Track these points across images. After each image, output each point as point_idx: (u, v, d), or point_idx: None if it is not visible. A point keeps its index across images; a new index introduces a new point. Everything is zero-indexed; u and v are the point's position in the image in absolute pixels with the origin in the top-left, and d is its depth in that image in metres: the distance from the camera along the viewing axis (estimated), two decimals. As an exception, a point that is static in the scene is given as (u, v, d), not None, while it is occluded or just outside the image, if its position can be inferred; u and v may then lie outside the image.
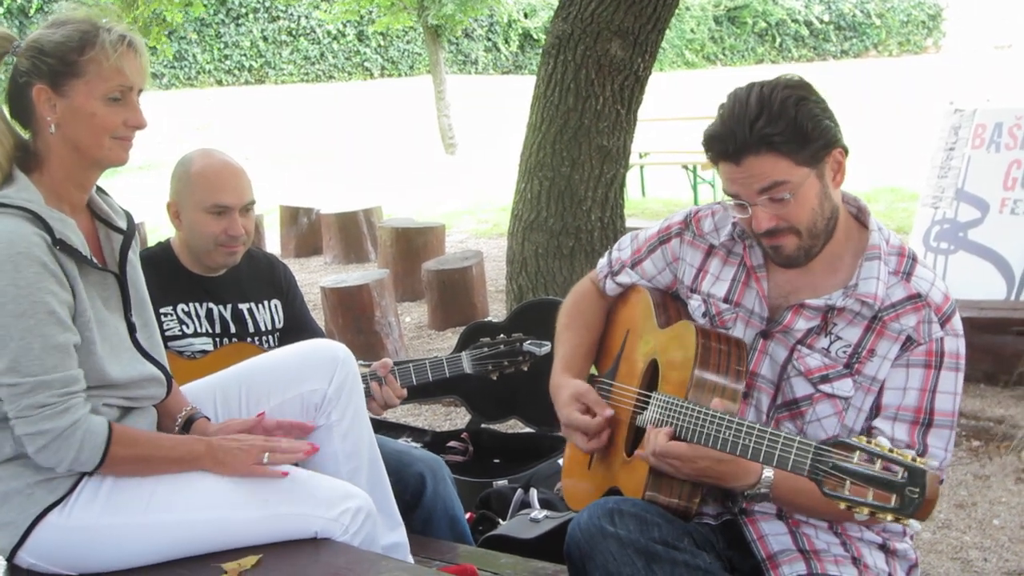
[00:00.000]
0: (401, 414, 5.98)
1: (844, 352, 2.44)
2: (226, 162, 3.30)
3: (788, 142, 2.31)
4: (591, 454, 2.82)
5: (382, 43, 31.41)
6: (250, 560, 2.45)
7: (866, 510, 1.92)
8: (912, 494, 1.88)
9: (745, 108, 2.34)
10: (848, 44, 35.10)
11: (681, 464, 2.33)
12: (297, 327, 3.47)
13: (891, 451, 1.93)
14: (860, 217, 2.55)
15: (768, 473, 2.32)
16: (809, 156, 2.35)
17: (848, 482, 1.94)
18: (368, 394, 3.21)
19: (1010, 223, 6.74)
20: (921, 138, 11.22)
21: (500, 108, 23.61)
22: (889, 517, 1.90)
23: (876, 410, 2.42)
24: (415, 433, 4.68)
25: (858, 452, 1.95)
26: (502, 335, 3.55)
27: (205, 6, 25.04)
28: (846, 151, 2.44)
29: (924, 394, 2.38)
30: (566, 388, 2.76)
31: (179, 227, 3.32)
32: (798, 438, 2.09)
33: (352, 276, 7.82)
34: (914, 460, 1.90)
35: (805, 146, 2.33)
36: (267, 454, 2.52)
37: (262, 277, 3.49)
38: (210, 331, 3.32)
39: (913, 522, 1.90)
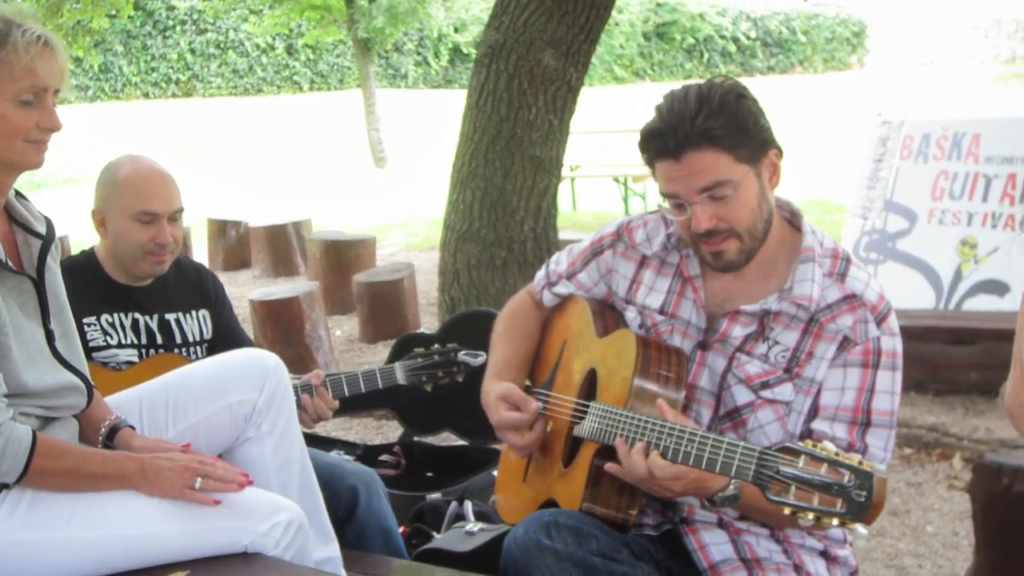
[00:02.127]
0: (332, 428, 5.88)
1: (783, 357, 2.41)
2: (154, 168, 3.21)
3: (729, 136, 2.29)
4: (527, 463, 2.78)
5: (311, 57, 31.20)
6: (178, 576, 2.37)
7: (811, 515, 1.88)
8: (859, 497, 1.85)
9: (685, 104, 2.32)
10: (774, 60, 35.48)
11: (673, 483, 2.24)
12: (226, 338, 3.39)
13: (837, 455, 1.90)
14: (793, 221, 2.53)
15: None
16: (748, 153, 2.33)
17: (793, 487, 1.90)
18: (299, 406, 3.13)
19: (938, 233, 6.80)
20: (848, 152, 11.32)
21: (430, 122, 23.54)
22: (835, 521, 1.87)
23: (814, 411, 2.40)
24: (346, 447, 4.60)
25: (804, 456, 1.92)
26: (436, 345, 3.49)
27: (131, 17, 24.83)
28: (781, 153, 2.42)
29: (862, 394, 2.36)
30: (493, 391, 2.71)
31: (104, 235, 3.22)
32: (742, 443, 2.06)
33: (281, 289, 7.71)
34: (861, 464, 1.87)
35: (745, 142, 2.32)
36: (199, 479, 2.43)
37: (190, 286, 3.40)
38: (135, 342, 3.22)
39: (859, 527, 1.87)
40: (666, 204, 2.47)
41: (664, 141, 2.33)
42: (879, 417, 2.37)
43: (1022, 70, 28.23)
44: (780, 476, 1.93)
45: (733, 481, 2.16)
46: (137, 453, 2.50)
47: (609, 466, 2.31)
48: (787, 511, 1.92)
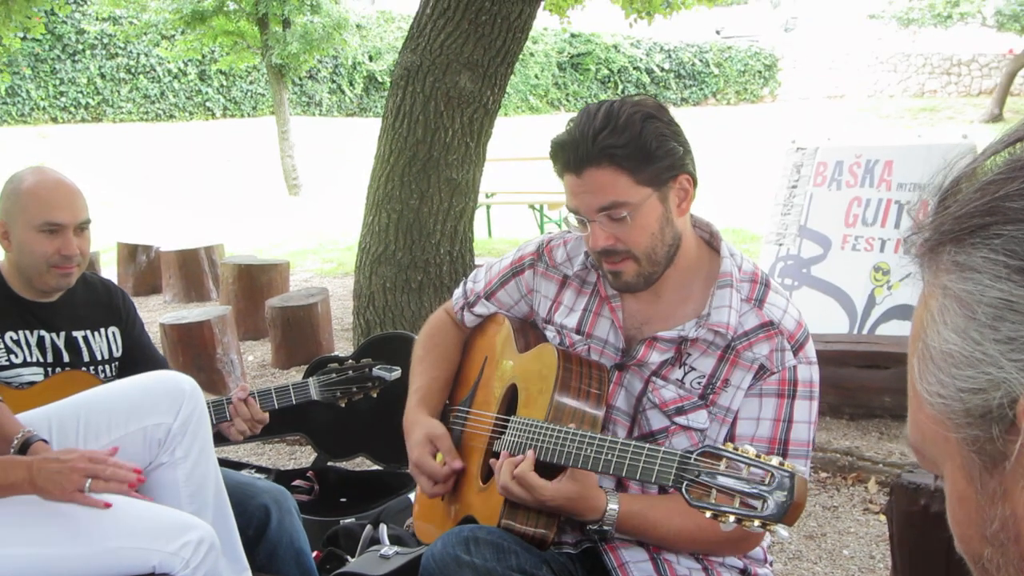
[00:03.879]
0: (244, 454, 5.76)
1: (698, 383, 2.38)
2: (60, 179, 3.13)
3: (630, 157, 2.25)
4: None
5: (224, 83, 30.88)
6: (80, 598, 2.27)
7: (732, 517, 1.84)
8: (780, 497, 1.81)
9: (592, 120, 2.28)
10: (688, 92, 35.91)
11: (526, 495, 2.24)
12: (137, 357, 3.30)
13: (758, 456, 1.86)
14: (712, 243, 2.50)
15: (613, 506, 2.26)
16: (651, 176, 2.28)
17: (714, 491, 1.87)
18: (227, 419, 3.07)
19: (851, 259, 6.88)
20: (762, 181, 11.46)
21: (344, 150, 23.43)
22: (756, 523, 1.83)
23: (730, 440, 2.36)
24: (259, 471, 4.49)
25: (725, 460, 1.89)
26: (351, 361, 3.42)
27: (39, 40, 24.38)
28: (694, 179, 2.38)
29: (778, 424, 2.34)
30: (421, 427, 2.66)
31: (8, 248, 3.13)
32: (663, 449, 2.02)
33: (193, 313, 7.56)
34: (782, 465, 1.84)
35: (647, 164, 2.27)
36: (89, 480, 2.33)
37: (99, 303, 3.30)
38: (41, 360, 3.12)
39: (780, 528, 1.83)
40: (573, 219, 2.44)
41: (567, 154, 2.31)
42: (796, 448, 2.34)
43: (930, 103, 28.90)
44: (701, 480, 1.89)
45: (607, 514, 2.23)
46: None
47: (503, 454, 2.33)
48: (708, 515, 1.88)
